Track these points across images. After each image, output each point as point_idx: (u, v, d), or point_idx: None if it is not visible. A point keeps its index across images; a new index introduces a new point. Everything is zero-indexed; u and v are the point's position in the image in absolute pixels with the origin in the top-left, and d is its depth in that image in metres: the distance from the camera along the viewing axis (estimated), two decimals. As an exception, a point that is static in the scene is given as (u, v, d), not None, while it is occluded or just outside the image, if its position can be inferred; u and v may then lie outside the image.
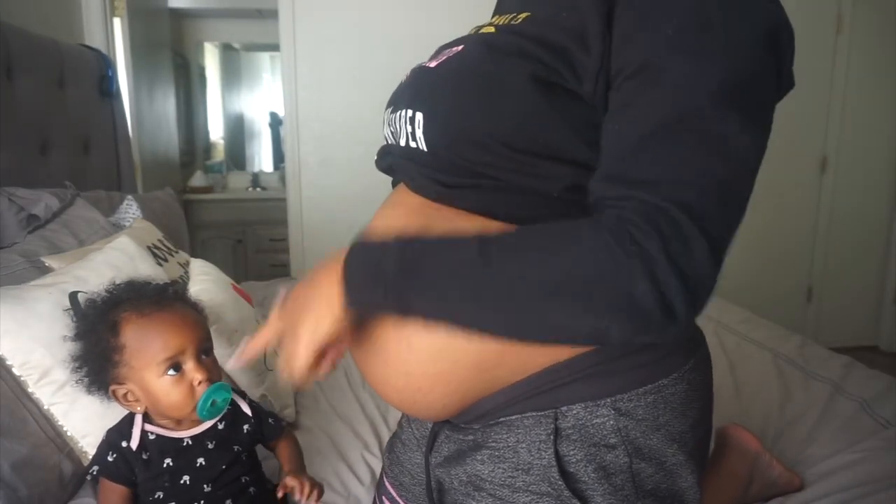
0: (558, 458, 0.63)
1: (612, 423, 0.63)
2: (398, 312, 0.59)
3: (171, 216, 1.97)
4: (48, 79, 1.80)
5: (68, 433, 1.01)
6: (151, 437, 0.89)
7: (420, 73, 0.72)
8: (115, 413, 0.92)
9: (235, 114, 4.32)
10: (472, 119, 0.62)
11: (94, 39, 2.42)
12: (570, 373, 0.63)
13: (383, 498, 0.89)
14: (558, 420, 0.64)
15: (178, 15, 3.83)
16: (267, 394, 1.27)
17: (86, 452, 1.01)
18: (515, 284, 0.52)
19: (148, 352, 0.86)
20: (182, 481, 0.88)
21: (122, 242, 1.28)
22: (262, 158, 4.41)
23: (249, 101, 4.33)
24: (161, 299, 0.91)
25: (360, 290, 0.59)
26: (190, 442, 0.90)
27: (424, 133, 0.65)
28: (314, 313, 0.61)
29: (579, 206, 0.59)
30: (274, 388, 1.29)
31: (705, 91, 0.52)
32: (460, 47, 0.69)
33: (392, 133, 0.73)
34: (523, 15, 0.65)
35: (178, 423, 0.90)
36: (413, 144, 0.67)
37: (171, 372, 0.86)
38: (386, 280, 0.56)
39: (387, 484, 0.89)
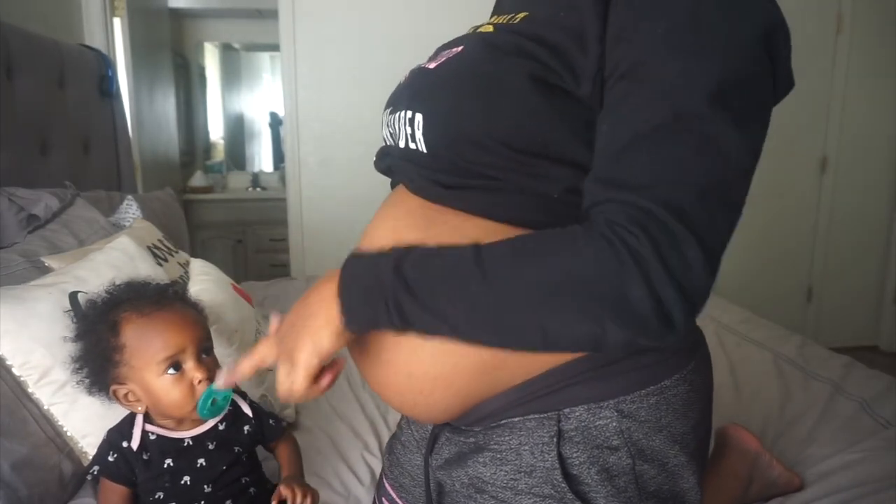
0: (561, 460, 0.63)
1: (614, 424, 0.63)
2: (398, 329, 0.57)
3: (171, 216, 1.97)
4: (48, 79, 1.80)
5: (68, 433, 1.01)
6: (152, 437, 0.89)
7: (419, 74, 0.72)
8: (115, 413, 0.92)
9: (235, 114, 4.32)
10: (471, 119, 0.61)
11: (94, 39, 2.42)
12: (572, 375, 0.63)
13: (383, 499, 0.89)
14: (561, 422, 0.64)
15: (178, 15, 3.83)
16: (267, 394, 1.27)
17: (86, 453, 1.01)
18: (511, 295, 0.52)
19: (148, 351, 0.86)
20: (182, 482, 0.89)
21: (122, 242, 1.28)
22: (262, 158, 4.41)
23: (249, 101, 4.33)
24: (161, 299, 0.91)
25: (359, 308, 0.58)
26: (191, 442, 0.90)
27: (424, 134, 0.65)
28: (311, 337, 0.60)
29: (579, 208, 0.58)
30: (274, 389, 1.29)
31: (698, 91, 0.51)
32: (459, 48, 0.68)
33: (391, 134, 0.73)
34: (522, 14, 0.65)
35: (179, 424, 0.90)
36: (412, 146, 0.67)
37: (171, 371, 0.86)
38: (386, 296, 0.55)
39: (386, 485, 0.89)
